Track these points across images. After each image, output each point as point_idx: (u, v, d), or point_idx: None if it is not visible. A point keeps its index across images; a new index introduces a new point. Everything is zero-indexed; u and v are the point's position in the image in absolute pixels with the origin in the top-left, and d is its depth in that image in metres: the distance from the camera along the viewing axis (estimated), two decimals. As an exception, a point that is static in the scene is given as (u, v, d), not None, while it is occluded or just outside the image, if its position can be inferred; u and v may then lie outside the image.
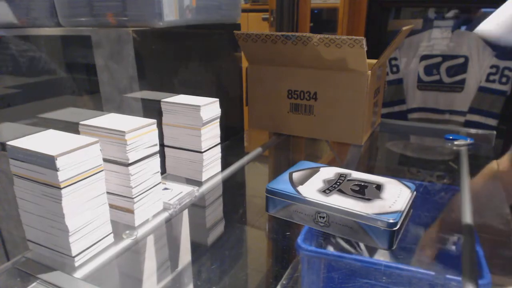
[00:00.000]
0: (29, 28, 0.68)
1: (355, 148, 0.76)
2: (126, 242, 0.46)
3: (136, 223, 0.48)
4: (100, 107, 0.66)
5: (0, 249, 0.69)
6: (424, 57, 1.30)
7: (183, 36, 0.72)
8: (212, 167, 0.62)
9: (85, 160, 0.40)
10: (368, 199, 0.45)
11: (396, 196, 0.46)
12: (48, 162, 0.37)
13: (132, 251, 0.46)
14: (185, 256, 0.51)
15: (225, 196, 0.62)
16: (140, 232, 0.48)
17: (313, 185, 0.49)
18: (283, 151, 0.84)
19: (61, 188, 0.38)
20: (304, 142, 0.84)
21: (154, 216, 0.51)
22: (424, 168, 0.79)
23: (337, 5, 1.55)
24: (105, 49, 0.63)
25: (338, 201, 0.45)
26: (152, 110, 0.61)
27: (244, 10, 1.09)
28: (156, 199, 0.51)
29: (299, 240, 0.47)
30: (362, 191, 0.47)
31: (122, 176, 0.46)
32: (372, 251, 0.50)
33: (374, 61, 0.73)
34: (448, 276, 0.42)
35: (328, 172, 0.53)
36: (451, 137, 0.81)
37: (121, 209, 0.48)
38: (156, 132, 0.48)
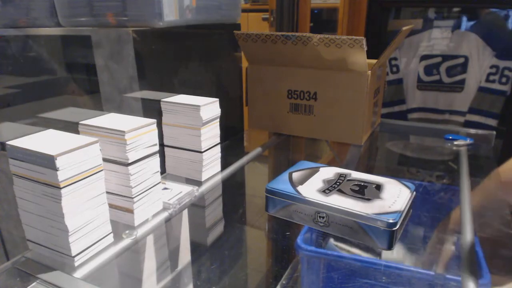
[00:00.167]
0: (29, 28, 0.68)
1: (355, 148, 0.76)
2: (125, 242, 0.46)
3: (136, 223, 0.48)
4: (100, 107, 0.66)
5: (0, 249, 0.69)
6: (424, 57, 1.30)
7: (183, 36, 0.72)
8: (212, 167, 0.62)
9: (84, 160, 0.40)
10: (368, 199, 0.45)
11: (395, 196, 0.46)
12: (48, 161, 0.37)
13: (132, 251, 0.46)
14: (185, 256, 0.50)
15: (224, 196, 0.62)
16: (139, 232, 0.48)
17: (313, 185, 0.49)
18: (283, 151, 0.84)
19: (60, 188, 0.38)
20: (304, 142, 0.84)
21: (154, 216, 0.51)
22: (424, 168, 0.79)
23: (337, 5, 1.55)
24: (105, 49, 0.63)
25: (337, 201, 0.45)
26: (152, 110, 0.61)
27: (244, 10, 1.08)
28: (156, 199, 0.51)
29: (299, 240, 0.47)
30: (361, 191, 0.47)
31: (122, 175, 0.46)
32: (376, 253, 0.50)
33: (374, 61, 0.73)
34: (448, 276, 0.42)
35: (328, 172, 0.53)
36: (450, 137, 0.81)
37: (120, 209, 0.48)
38: (156, 132, 0.48)
